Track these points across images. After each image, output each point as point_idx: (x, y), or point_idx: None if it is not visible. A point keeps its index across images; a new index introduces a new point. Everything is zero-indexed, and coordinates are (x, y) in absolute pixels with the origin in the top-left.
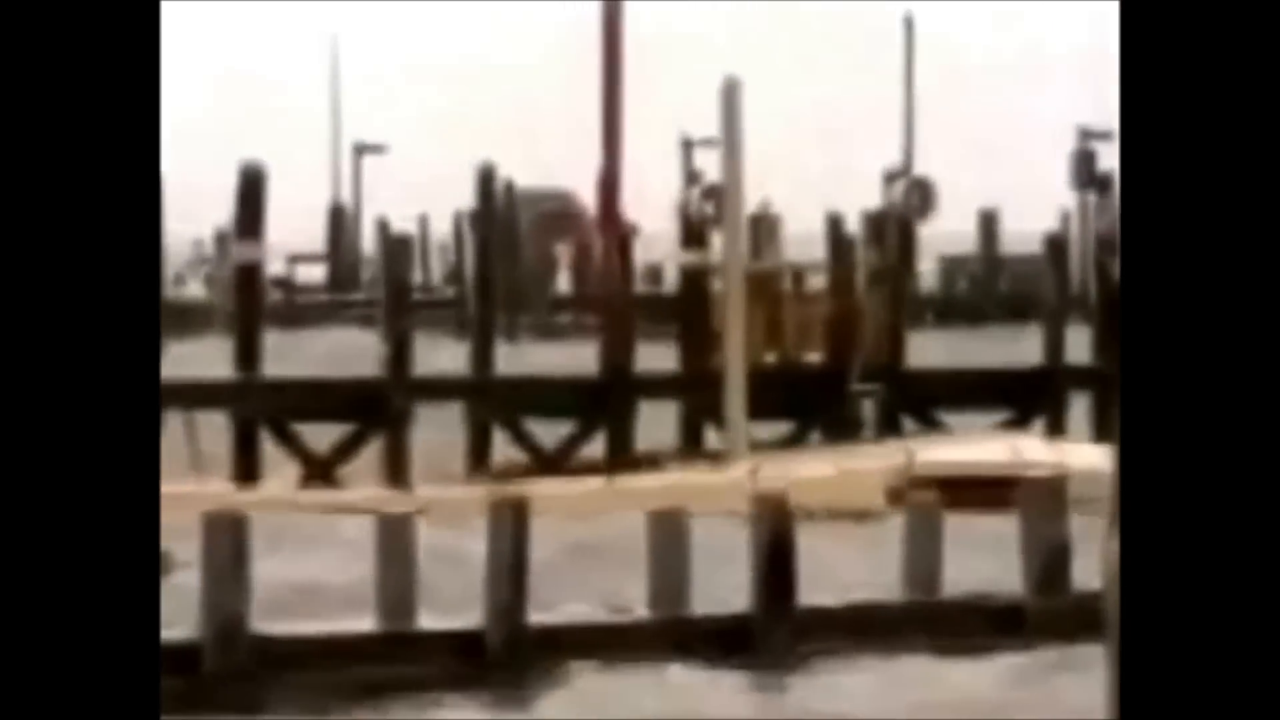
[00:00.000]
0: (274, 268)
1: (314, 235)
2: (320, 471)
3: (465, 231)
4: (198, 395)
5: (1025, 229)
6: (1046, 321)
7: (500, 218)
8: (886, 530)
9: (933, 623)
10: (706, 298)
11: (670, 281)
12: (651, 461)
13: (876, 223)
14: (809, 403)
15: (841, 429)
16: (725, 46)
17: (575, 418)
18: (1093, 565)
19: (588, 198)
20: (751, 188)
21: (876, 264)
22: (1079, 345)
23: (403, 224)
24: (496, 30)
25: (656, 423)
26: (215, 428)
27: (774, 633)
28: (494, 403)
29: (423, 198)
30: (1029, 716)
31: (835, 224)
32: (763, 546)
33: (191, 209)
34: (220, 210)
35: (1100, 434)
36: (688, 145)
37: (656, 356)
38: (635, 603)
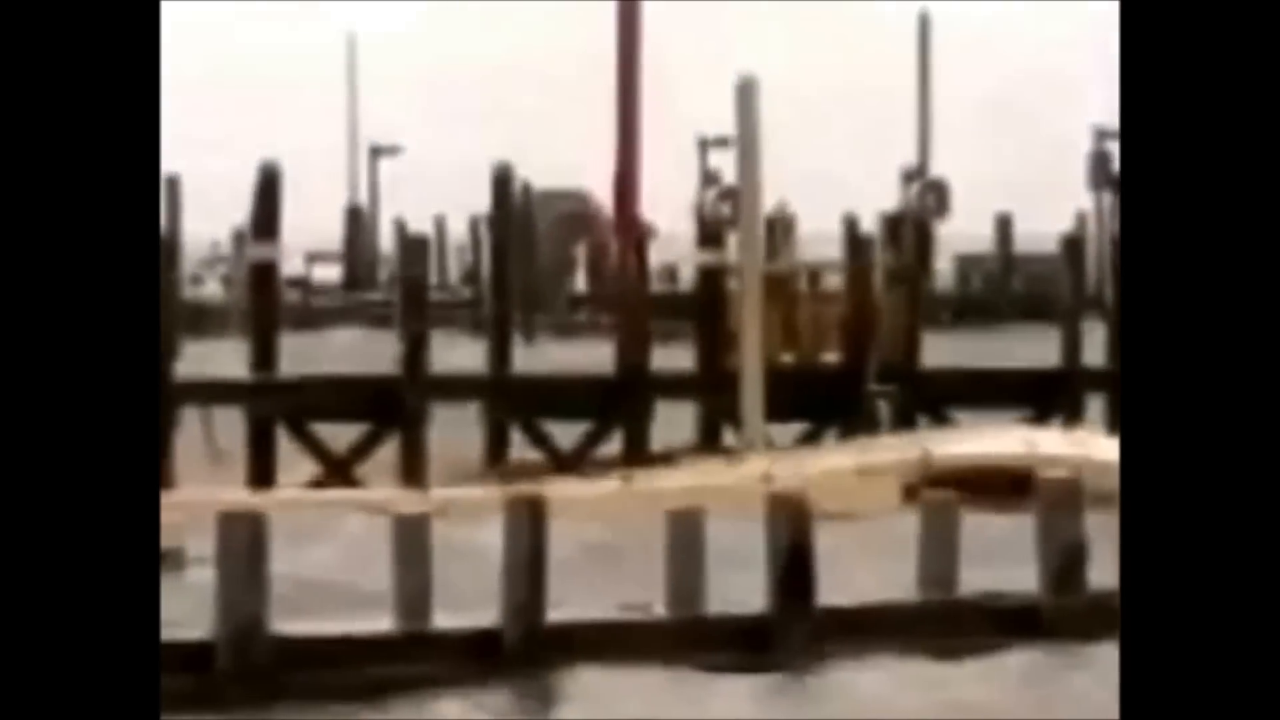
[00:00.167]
0: (291, 267)
1: (331, 236)
2: (337, 470)
3: (482, 232)
4: (215, 393)
5: (1041, 229)
6: (1063, 322)
7: (517, 218)
8: (903, 527)
9: (948, 622)
10: (723, 298)
11: (687, 281)
12: (667, 461)
13: (893, 223)
14: (825, 403)
15: (858, 429)
16: (741, 46)
17: (592, 417)
18: (1110, 563)
19: (604, 198)
20: (768, 188)
21: (893, 264)
22: (1095, 346)
23: (419, 224)
24: (513, 31)
25: (673, 423)
26: (233, 426)
27: (792, 633)
28: (510, 402)
29: (439, 198)
30: (1043, 717)
31: (851, 224)
32: (780, 547)
33: (209, 209)
34: (237, 210)
35: (1117, 435)
36: (704, 145)
37: (673, 357)
38: (653, 602)
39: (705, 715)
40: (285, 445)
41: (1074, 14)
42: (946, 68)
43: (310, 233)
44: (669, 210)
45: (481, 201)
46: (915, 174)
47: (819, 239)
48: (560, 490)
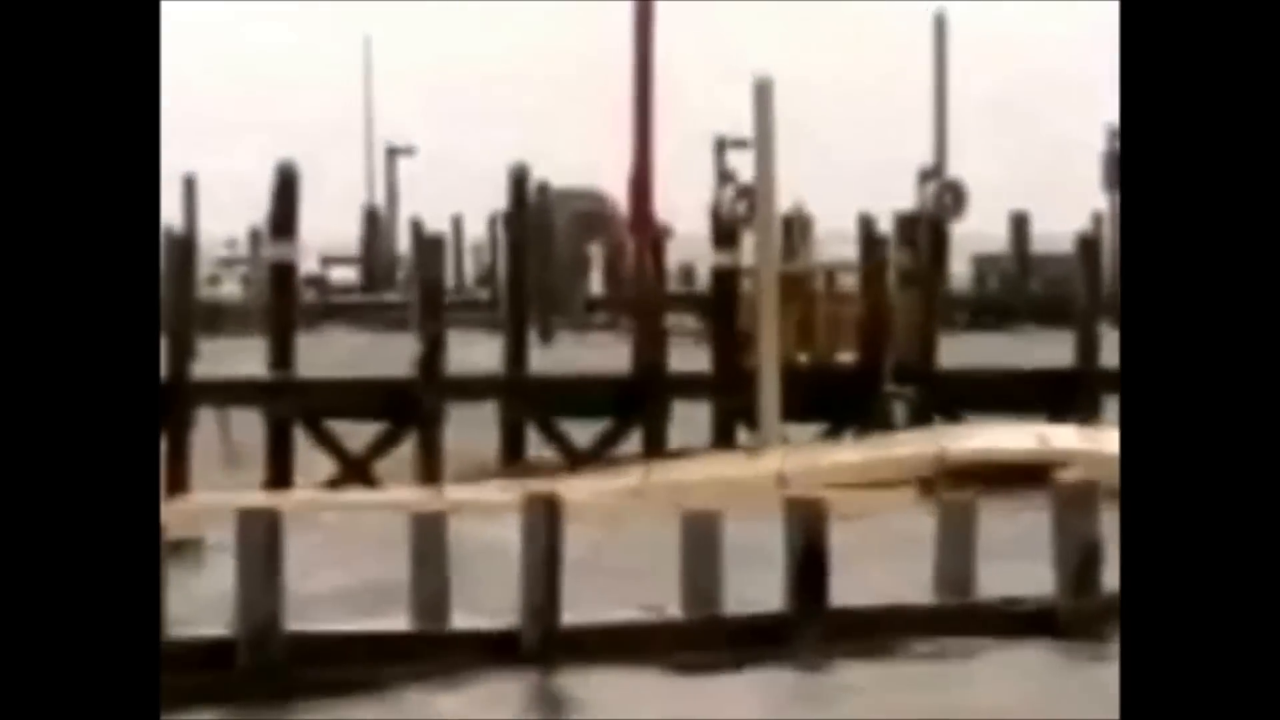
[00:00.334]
0: (308, 267)
1: (348, 236)
2: (355, 470)
3: (499, 232)
4: (232, 393)
5: (1058, 230)
6: (1079, 323)
7: (534, 218)
8: (918, 525)
9: (964, 623)
10: (739, 298)
11: (703, 282)
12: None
13: (909, 223)
14: (841, 403)
15: (874, 430)
16: (757, 47)
17: (608, 417)
18: None
19: (621, 198)
20: (784, 188)
21: (909, 265)
22: (1112, 347)
23: (436, 225)
24: (529, 31)
25: (689, 423)
26: (250, 426)
27: (807, 633)
28: (527, 402)
29: (456, 199)
30: (1057, 717)
31: (867, 224)
32: (796, 546)
33: (226, 208)
34: (255, 210)
35: None
36: (720, 145)
37: (689, 357)
38: (668, 602)
39: (719, 715)
40: (303, 447)
41: (1090, 14)
42: (962, 67)
43: (326, 233)
44: (686, 210)
45: (498, 202)
46: (932, 174)
47: (835, 238)
48: (578, 487)
